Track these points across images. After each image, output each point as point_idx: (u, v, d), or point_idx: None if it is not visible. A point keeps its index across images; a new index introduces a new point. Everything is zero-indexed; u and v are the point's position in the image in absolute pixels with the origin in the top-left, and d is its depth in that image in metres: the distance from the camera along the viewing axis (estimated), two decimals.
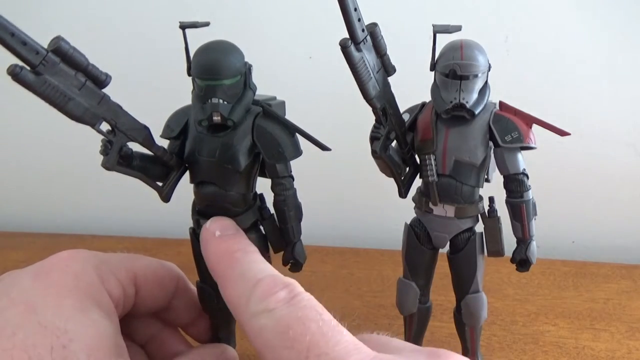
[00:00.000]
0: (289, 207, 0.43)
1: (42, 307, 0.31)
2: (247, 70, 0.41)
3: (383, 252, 0.77)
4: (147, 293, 0.39)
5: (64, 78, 0.34)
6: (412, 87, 0.45)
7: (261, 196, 0.46)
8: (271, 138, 0.42)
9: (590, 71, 0.72)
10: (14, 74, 0.32)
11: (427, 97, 0.44)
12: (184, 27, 0.41)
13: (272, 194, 0.44)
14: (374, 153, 0.42)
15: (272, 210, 0.45)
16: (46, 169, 0.89)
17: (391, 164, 0.43)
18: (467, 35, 0.42)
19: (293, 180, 0.44)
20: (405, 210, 0.48)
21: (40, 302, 0.31)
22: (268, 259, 0.46)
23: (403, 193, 0.46)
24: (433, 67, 0.43)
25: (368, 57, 0.37)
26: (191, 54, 0.41)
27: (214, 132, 0.42)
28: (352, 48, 0.35)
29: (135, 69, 0.75)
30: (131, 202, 0.80)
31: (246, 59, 0.42)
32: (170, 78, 0.54)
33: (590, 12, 0.70)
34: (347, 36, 0.35)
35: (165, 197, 0.43)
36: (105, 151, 0.39)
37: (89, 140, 0.45)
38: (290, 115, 0.44)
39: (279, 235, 0.45)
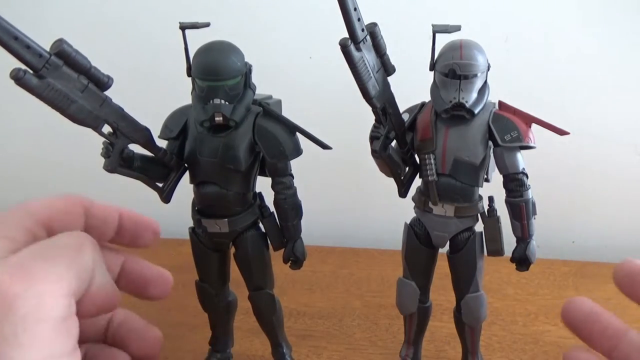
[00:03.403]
0: (290, 205, 0.44)
1: None
2: (247, 70, 0.42)
3: (383, 252, 0.77)
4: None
5: (67, 81, 0.33)
6: (412, 87, 0.45)
7: (260, 195, 0.46)
8: (272, 137, 0.42)
9: (590, 71, 0.72)
10: (18, 78, 0.31)
11: (427, 97, 0.44)
12: (184, 27, 0.41)
13: (272, 193, 0.44)
14: (373, 152, 0.42)
15: (272, 209, 0.45)
16: (46, 169, 0.88)
17: (391, 163, 0.43)
18: (467, 35, 0.42)
19: (293, 178, 0.44)
20: (405, 210, 0.48)
21: None
22: (268, 257, 0.47)
23: (403, 193, 0.46)
24: (432, 66, 0.43)
25: (368, 57, 0.37)
26: (191, 55, 0.41)
27: (215, 132, 0.42)
28: (352, 48, 0.35)
29: (134, 70, 0.75)
30: (131, 202, 0.80)
31: (246, 60, 0.42)
32: (170, 79, 0.54)
33: (590, 13, 0.70)
34: (347, 36, 0.35)
35: (166, 198, 0.43)
36: (107, 154, 0.38)
37: (87, 141, 0.45)
38: (291, 115, 0.44)
39: (278, 233, 0.45)
